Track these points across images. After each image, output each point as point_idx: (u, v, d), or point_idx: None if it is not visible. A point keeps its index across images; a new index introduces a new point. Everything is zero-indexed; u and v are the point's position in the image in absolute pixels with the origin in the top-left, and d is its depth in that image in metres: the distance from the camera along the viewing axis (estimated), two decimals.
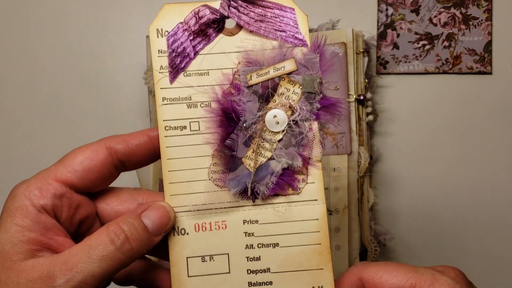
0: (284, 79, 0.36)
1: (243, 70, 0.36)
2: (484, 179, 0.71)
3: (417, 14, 0.70)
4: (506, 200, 0.70)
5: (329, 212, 0.63)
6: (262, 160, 0.36)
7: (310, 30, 0.65)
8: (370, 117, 0.64)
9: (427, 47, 0.70)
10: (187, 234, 0.37)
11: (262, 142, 0.36)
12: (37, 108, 0.72)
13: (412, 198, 0.71)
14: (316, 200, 0.37)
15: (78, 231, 0.35)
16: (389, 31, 0.70)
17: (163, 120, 0.36)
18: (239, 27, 0.37)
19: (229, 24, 0.37)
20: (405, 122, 0.71)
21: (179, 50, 0.37)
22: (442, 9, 0.70)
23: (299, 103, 0.36)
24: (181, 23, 0.37)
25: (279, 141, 0.36)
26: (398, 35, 0.70)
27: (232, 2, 0.37)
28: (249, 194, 0.36)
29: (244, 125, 0.36)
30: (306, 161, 0.37)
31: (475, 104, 0.70)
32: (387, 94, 0.70)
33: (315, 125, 0.37)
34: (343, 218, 0.62)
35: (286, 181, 0.36)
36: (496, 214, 0.71)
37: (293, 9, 0.38)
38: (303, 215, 0.37)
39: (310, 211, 0.37)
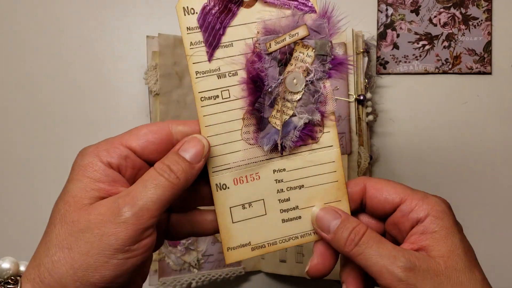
0: (299, 44, 0.41)
1: (262, 39, 0.40)
2: (484, 179, 0.71)
3: (417, 14, 0.70)
4: (506, 201, 0.70)
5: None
6: (285, 117, 0.41)
7: None
8: (370, 117, 0.64)
9: (427, 47, 0.70)
10: (228, 188, 0.43)
11: (285, 102, 0.41)
12: (37, 108, 0.72)
13: None
14: (332, 146, 0.43)
15: None
16: (389, 31, 0.70)
17: (198, 92, 0.41)
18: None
19: None
20: (405, 122, 0.71)
21: (209, 27, 0.41)
22: (442, 9, 0.70)
23: (313, 65, 0.41)
24: (206, 3, 0.41)
25: (299, 100, 0.41)
26: (398, 35, 0.70)
27: None
28: (279, 149, 0.42)
29: (269, 89, 0.41)
30: (323, 115, 0.42)
31: (474, 104, 0.70)
32: (387, 94, 0.70)
33: (328, 83, 0.42)
34: None
35: (307, 133, 0.42)
36: (496, 214, 0.71)
37: None
38: (322, 159, 0.43)
39: (328, 155, 0.43)
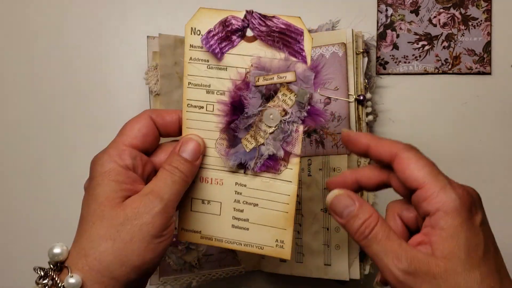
0: (284, 86, 0.46)
1: (253, 72, 0.46)
2: (484, 179, 0.71)
3: (417, 14, 0.70)
4: (506, 201, 0.70)
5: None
6: (255, 144, 0.47)
7: (310, 31, 0.66)
8: (370, 117, 0.65)
9: (427, 47, 0.70)
10: (194, 182, 0.49)
11: (258, 131, 0.47)
12: (37, 108, 0.72)
13: None
14: (291, 182, 0.48)
15: (147, 181, 0.46)
16: (388, 31, 0.71)
17: (187, 99, 0.48)
18: (255, 37, 0.46)
19: (249, 32, 0.46)
20: (405, 122, 0.71)
21: (210, 49, 0.47)
22: (441, 10, 0.70)
23: (291, 108, 0.46)
24: (212, 29, 0.46)
25: (271, 133, 0.47)
26: (397, 36, 0.71)
27: (253, 15, 0.46)
28: (244, 168, 0.48)
29: (247, 115, 0.46)
30: (288, 153, 0.47)
31: (474, 105, 0.71)
32: (386, 95, 0.70)
33: (300, 128, 0.47)
34: None
35: (271, 164, 0.48)
36: (496, 214, 0.71)
37: (302, 31, 0.46)
38: (279, 189, 0.48)
39: (285, 188, 0.48)
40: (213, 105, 0.48)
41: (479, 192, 0.68)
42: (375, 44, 0.70)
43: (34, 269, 0.42)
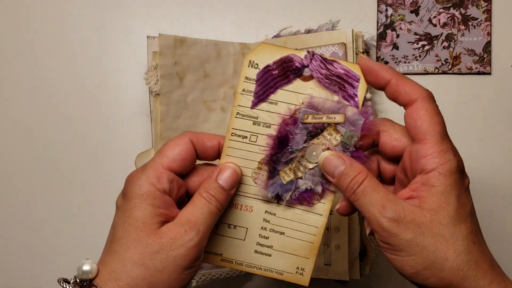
0: (332, 126, 0.47)
1: (304, 110, 0.46)
2: (484, 179, 0.71)
3: (417, 14, 0.70)
4: (506, 200, 0.70)
5: (330, 212, 0.63)
6: (293, 177, 0.48)
7: (310, 31, 0.66)
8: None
9: (427, 47, 0.70)
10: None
11: (299, 165, 0.48)
12: (37, 108, 0.72)
13: None
14: (322, 215, 0.49)
15: (179, 203, 0.47)
16: (388, 31, 0.71)
17: (232, 128, 0.48)
18: (312, 76, 0.47)
19: (306, 71, 0.47)
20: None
21: (264, 83, 0.47)
22: (441, 10, 0.70)
23: (335, 147, 0.46)
24: (270, 65, 0.47)
25: (311, 169, 0.47)
26: (397, 36, 0.71)
27: (314, 57, 0.46)
28: (278, 199, 0.49)
29: (290, 149, 0.47)
30: (325, 189, 0.48)
31: (474, 105, 0.71)
32: (380, 96, 0.70)
33: None
34: (343, 218, 0.62)
35: (306, 197, 0.48)
36: (496, 214, 0.71)
37: (359, 78, 0.46)
38: (308, 221, 0.49)
39: (315, 220, 0.49)
40: (257, 136, 0.48)
41: (478, 191, 0.69)
42: (375, 44, 0.70)
43: (59, 281, 0.42)
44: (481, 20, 0.69)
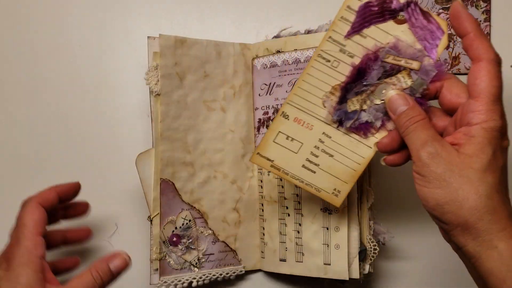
0: (406, 70, 0.51)
1: (387, 50, 0.51)
2: None
3: None
4: None
5: (329, 211, 0.63)
6: (358, 108, 0.53)
7: (310, 31, 0.66)
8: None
9: None
10: (288, 118, 0.55)
11: (366, 99, 0.53)
12: (37, 108, 0.72)
13: (411, 197, 0.71)
14: (371, 148, 0.54)
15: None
16: None
17: (321, 50, 0.53)
18: (405, 21, 0.51)
19: (401, 15, 0.52)
20: None
21: (361, 17, 0.51)
22: (441, 10, 0.70)
23: (404, 90, 0.51)
24: (371, 1, 0.51)
25: (376, 104, 0.52)
26: None
27: (412, 4, 0.51)
28: (338, 124, 0.54)
29: (364, 82, 0.52)
30: (384, 124, 0.53)
31: None
32: None
33: None
34: (343, 217, 0.62)
35: (364, 128, 0.54)
36: None
37: (443, 33, 0.51)
38: (358, 150, 0.55)
39: (363, 151, 0.55)
40: (340, 63, 0.53)
41: None
42: None
43: None
44: (481, 21, 0.70)
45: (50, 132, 0.72)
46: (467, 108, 0.46)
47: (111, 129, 0.72)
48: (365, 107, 0.53)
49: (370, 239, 0.64)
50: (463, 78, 0.69)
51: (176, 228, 0.65)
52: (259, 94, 0.69)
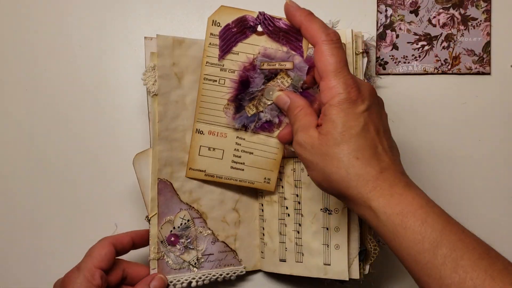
0: (283, 72, 0.59)
1: (260, 59, 0.59)
2: (483, 179, 0.71)
3: (416, 15, 0.70)
4: (505, 200, 0.70)
5: (329, 211, 0.63)
6: (256, 111, 0.61)
7: None
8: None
9: (426, 47, 0.70)
10: (203, 134, 0.64)
11: (260, 102, 0.61)
12: (37, 108, 0.72)
13: None
14: None
15: None
16: (388, 31, 0.71)
17: (204, 74, 0.61)
18: (264, 32, 0.58)
19: (259, 28, 0.59)
20: (404, 122, 0.71)
21: (226, 39, 0.59)
22: (441, 10, 0.70)
23: (287, 88, 0.59)
24: (229, 24, 0.59)
25: (269, 105, 0.60)
26: (397, 36, 0.71)
27: (264, 16, 0.58)
28: (245, 127, 0.62)
29: (251, 89, 0.60)
30: (281, 120, 0.61)
31: (474, 105, 0.71)
32: (386, 95, 0.70)
33: None
34: (343, 217, 0.62)
35: (267, 126, 0.62)
36: (495, 213, 0.71)
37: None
38: (270, 143, 0.63)
39: (275, 143, 0.63)
40: (225, 80, 0.61)
41: (478, 191, 0.69)
42: (374, 44, 0.70)
43: None
44: (481, 21, 0.70)
45: (49, 132, 0.72)
46: (320, 89, 0.50)
47: (110, 129, 0.72)
48: (261, 109, 0.61)
49: (370, 239, 0.64)
50: (463, 78, 0.70)
51: (174, 228, 0.64)
52: None
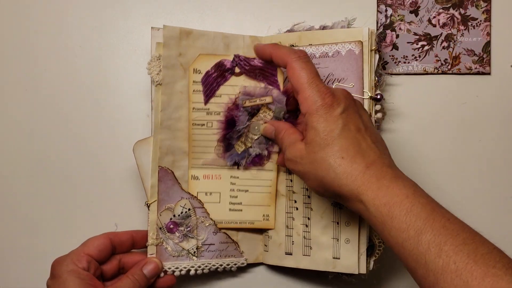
0: (265, 106, 0.63)
1: (241, 97, 0.64)
2: (483, 179, 0.71)
3: (416, 15, 0.71)
4: (505, 199, 0.70)
5: (340, 206, 0.64)
6: (244, 148, 0.64)
7: (325, 27, 0.66)
8: (379, 115, 0.65)
9: (426, 47, 0.71)
10: (198, 179, 0.65)
11: (247, 138, 0.64)
12: (38, 108, 0.72)
13: None
14: (272, 170, 0.66)
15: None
16: (388, 32, 0.71)
17: (192, 119, 0.64)
18: (242, 72, 0.64)
19: (236, 69, 0.64)
20: (404, 122, 0.71)
21: (208, 85, 0.64)
22: (441, 10, 0.71)
23: (270, 121, 0.63)
24: (209, 70, 0.64)
25: (256, 139, 0.64)
26: (397, 36, 0.71)
27: (239, 58, 0.64)
28: (237, 165, 0.65)
29: (237, 128, 0.63)
30: (270, 152, 0.65)
31: (473, 105, 0.71)
32: (386, 95, 0.70)
33: None
34: (354, 213, 0.62)
35: (257, 160, 0.65)
36: (495, 213, 0.70)
37: (276, 67, 0.63)
38: (264, 177, 0.66)
39: (268, 175, 0.66)
40: (212, 122, 0.64)
41: (478, 191, 0.69)
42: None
43: None
44: (481, 21, 0.70)
45: (49, 132, 0.72)
46: (299, 102, 0.54)
47: (110, 129, 0.72)
48: (249, 144, 0.64)
49: (376, 235, 0.63)
50: (463, 78, 0.71)
51: (174, 215, 0.64)
52: None
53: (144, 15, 0.73)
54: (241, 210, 0.66)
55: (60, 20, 0.73)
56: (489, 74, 0.71)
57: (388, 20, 0.71)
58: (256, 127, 0.63)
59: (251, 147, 0.63)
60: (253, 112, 0.63)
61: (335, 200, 0.55)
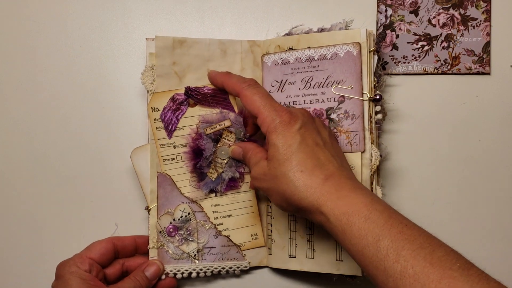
0: (226, 130, 0.65)
1: (201, 126, 0.65)
2: (483, 179, 0.71)
3: (416, 15, 0.71)
4: (505, 199, 0.70)
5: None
6: (217, 174, 0.65)
7: (323, 30, 0.66)
8: (379, 116, 0.64)
9: (426, 48, 0.71)
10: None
11: (217, 164, 0.65)
12: (37, 108, 0.72)
13: (412, 197, 0.70)
14: (249, 191, 0.67)
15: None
16: (388, 32, 0.71)
17: (162, 156, 0.65)
18: (195, 102, 0.66)
19: (190, 100, 0.66)
20: (404, 122, 0.71)
21: (168, 120, 0.65)
22: (441, 10, 0.71)
23: (233, 143, 0.65)
24: (166, 106, 0.65)
25: (226, 163, 0.65)
26: (397, 36, 0.71)
27: (190, 90, 0.65)
28: (214, 192, 0.67)
29: (206, 155, 0.65)
30: (242, 173, 0.66)
31: (473, 105, 0.71)
32: (386, 95, 0.70)
33: None
34: None
35: (232, 184, 0.66)
36: (495, 213, 0.70)
37: (226, 92, 0.64)
38: (242, 198, 0.67)
39: (246, 196, 0.67)
40: (181, 155, 0.66)
41: (478, 191, 0.69)
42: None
43: None
44: (481, 21, 0.70)
45: (49, 132, 0.72)
46: (259, 125, 0.57)
47: (110, 129, 0.72)
48: (221, 170, 0.65)
49: None
50: (463, 78, 0.71)
51: (174, 219, 0.65)
52: (269, 91, 0.67)
53: (144, 15, 0.73)
54: (229, 236, 0.66)
55: (60, 20, 0.73)
56: (489, 74, 0.70)
57: (388, 20, 0.71)
58: (223, 152, 0.64)
59: (223, 172, 0.65)
60: (216, 138, 0.64)
61: (298, 215, 0.57)
